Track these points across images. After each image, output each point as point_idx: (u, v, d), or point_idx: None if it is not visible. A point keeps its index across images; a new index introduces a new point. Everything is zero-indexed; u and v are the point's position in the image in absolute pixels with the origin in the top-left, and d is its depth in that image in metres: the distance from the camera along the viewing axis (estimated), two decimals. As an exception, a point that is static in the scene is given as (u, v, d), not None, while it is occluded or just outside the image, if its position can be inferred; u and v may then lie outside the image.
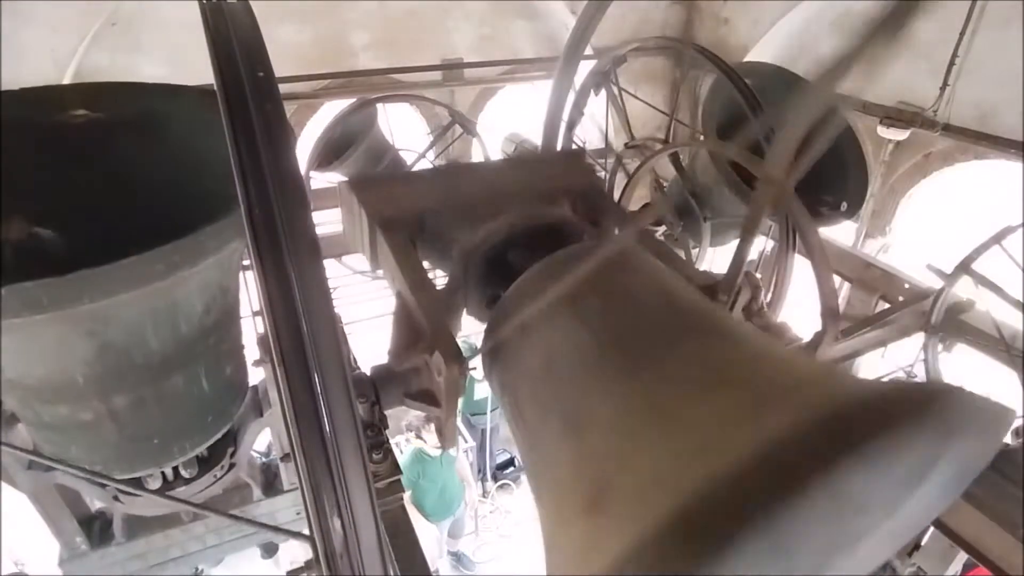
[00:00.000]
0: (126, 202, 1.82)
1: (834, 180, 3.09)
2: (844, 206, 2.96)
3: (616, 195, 3.36)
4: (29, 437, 1.88)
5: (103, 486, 1.98)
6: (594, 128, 3.87)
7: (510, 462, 7.42)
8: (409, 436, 5.81)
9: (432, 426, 5.32)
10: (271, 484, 2.50)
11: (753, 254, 3.78)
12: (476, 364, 1.55)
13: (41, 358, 1.49)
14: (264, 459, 2.57)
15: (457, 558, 6.53)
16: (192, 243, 1.33)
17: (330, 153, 3.93)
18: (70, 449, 1.76)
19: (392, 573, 1.14)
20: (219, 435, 2.05)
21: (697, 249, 3.37)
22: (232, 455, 2.17)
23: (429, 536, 5.78)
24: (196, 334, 1.67)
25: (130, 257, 1.20)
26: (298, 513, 2.48)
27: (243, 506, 2.43)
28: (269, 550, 5.90)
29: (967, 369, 3.21)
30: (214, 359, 1.81)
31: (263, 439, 2.41)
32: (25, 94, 1.80)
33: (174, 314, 1.57)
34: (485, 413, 6.84)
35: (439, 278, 1.72)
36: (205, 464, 2.09)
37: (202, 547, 2.38)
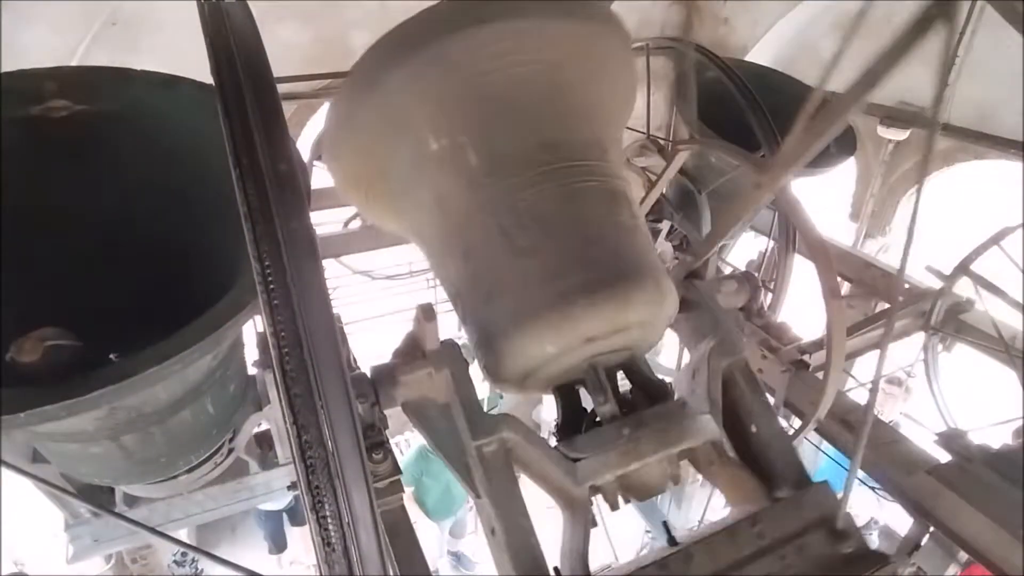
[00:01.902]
0: (122, 211, 1.68)
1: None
2: (832, 148, 2.98)
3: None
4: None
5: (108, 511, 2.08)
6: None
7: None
8: (410, 436, 5.80)
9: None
10: (266, 457, 2.57)
11: (753, 254, 3.78)
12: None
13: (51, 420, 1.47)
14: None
15: (457, 558, 6.52)
16: (212, 340, 1.23)
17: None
18: (78, 468, 1.79)
19: (392, 573, 1.14)
20: (222, 442, 2.08)
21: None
22: (231, 440, 2.20)
23: (430, 535, 5.77)
24: (204, 377, 1.64)
25: (148, 366, 1.14)
26: (291, 480, 2.53)
27: (240, 478, 2.49)
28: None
29: (967, 369, 3.21)
30: (220, 387, 1.78)
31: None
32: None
33: (184, 372, 1.51)
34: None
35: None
36: (206, 453, 2.12)
37: (200, 511, 2.44)
